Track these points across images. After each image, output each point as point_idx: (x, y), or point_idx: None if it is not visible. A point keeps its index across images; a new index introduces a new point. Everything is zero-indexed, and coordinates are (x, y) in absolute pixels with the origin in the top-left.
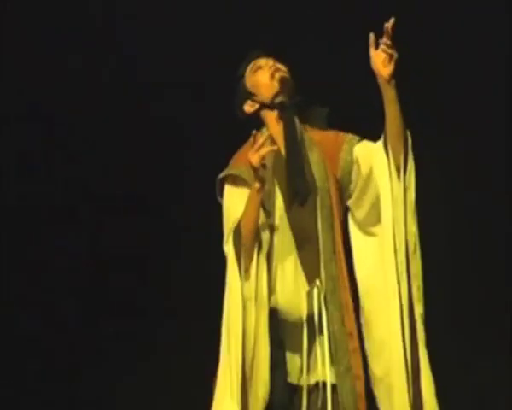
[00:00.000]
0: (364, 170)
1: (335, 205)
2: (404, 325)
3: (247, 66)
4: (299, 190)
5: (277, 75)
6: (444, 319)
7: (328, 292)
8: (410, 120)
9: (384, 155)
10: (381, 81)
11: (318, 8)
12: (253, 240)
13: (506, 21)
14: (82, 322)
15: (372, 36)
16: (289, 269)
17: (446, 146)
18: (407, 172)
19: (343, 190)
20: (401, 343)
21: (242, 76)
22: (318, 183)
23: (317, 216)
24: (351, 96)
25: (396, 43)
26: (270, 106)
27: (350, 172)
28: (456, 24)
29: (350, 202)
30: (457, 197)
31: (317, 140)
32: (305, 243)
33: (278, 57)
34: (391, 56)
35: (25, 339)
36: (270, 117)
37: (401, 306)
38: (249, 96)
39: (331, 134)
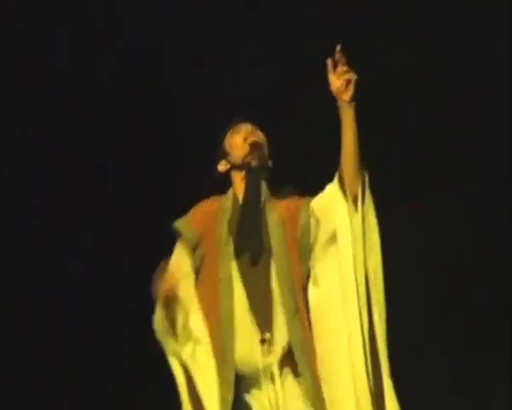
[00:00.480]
0: (322, 219)
1: (295, 267)
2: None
3: (230, 128)
4: (249, 249)
5: (250, 139)
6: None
7: (296, 350)
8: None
9: (339, 189)
10: (341, 104)
11: None
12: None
13: (506, 21)
14: None
15: (329, 61)
16: (242, 324)
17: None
18: (365, 201)
19: (304, 251)
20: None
21: (223, 140)
22: (274, 246)
23: (269, 277)
24: None
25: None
26: (239, 166)
27: (308, 228)
28: (456, 24)
29: (311, 263)
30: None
31: (280, 206)
32: (257, 300)
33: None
34: (349, 81)
35: None
36: (238, 177)
37: (363, 340)
38: (225, 156)
39: (295, 199)
